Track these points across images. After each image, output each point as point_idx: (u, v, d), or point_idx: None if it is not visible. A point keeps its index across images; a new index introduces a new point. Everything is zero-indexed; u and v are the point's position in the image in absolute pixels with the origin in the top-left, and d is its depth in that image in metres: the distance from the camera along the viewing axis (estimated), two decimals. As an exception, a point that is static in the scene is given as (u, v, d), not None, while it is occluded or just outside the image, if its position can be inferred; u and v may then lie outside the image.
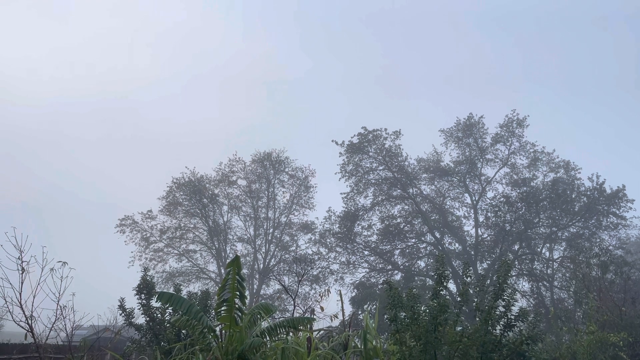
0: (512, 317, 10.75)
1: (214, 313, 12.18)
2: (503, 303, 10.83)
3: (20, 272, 10.73)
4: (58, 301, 11.32)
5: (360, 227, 41.51)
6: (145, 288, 14.65)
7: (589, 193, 36.71)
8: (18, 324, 10.92)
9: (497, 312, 10.75)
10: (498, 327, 10.78)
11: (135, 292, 14.65)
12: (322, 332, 14.75)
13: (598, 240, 36.32)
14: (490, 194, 40.71)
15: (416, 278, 38.97)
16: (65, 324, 11.72)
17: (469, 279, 11.91)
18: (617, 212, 36.37)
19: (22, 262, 10.78)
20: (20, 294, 10.70)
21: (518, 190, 38.57)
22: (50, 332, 11.55)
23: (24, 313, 10.84)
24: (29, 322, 10.89)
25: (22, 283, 10.74)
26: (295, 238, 48.06)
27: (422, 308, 10.76)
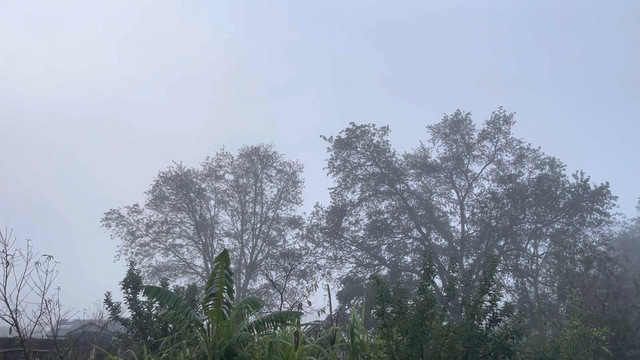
0: (498, 311, 10.87)
1: (201, 307, 12.15)
2: (489, 298, 10.95)
3: (5, 265, 10.58)
4: (43, 295, 11.19)
5: (347, 222, 41.65)
6: (131, 282, 14.55)
7: (573, 190, 37.15)
8: (2, 318, 10.77)
9: (483, 307, 10.86)
10: (484, 322, 10.90)
11: (121, 286, 14.56)
12: (309, 326, 14.81)
13: (582, 236, 36.82)
14: (476, 190, 41.12)
15: (403, 273, 39.18)
16: (50, 318, 11.59)
17: (455, 274, 12.02)
18: (601, 208, 36.88)
19: (7, 255, 10.64)
20: (4, 288, 10.56)
21: (504, 187, 38.93)
22: (35, 326, 11.41)
23: (8, 307, 10.68)
24: (14, 316, 10.75)
25: (6, 277, 10.59)
26: (283, 233, 48.08)
27: (410, 303, 10.83)
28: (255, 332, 11.10)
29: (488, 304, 10.96)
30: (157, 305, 14.34)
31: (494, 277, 11.21)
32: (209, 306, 10.43)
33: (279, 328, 11.86)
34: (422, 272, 11.17)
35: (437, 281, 36.59)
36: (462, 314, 11.35)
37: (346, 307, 34.23)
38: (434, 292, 11.02)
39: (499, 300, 11.01)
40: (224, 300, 10.41)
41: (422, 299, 10.53)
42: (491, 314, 10.88)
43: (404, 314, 10.42)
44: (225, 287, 10.32)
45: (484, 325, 10.92)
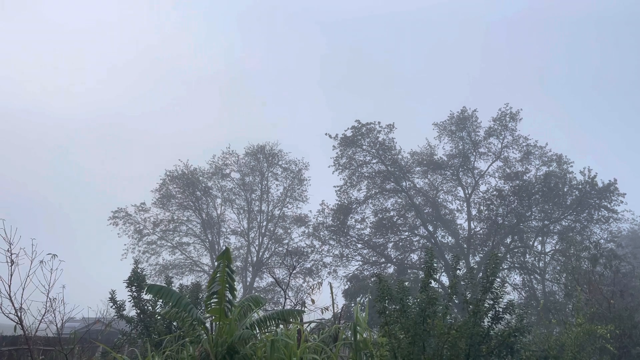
0: (500, 309, 10.82)
1: (204, 305, 12.19)
2: (492, 296, 10.89)
3: (10, 264, 10.68)
4: (48, 293, 11.29)
5: (353, 220, 41.64)
6: (136, 280, 14.65)
7: (580, 187, 36.90)
8: (7, 316, 10.87)
9: (486, 305, 10.81)
10: (486, 320, 10.85)
11: (126, 284, 14.65)
12: (313, 324, 14.82)
13: (589, 233, 36.57)
14: (483, 188, 40.91)
15: (409, 271, 39.15)
16: (55, 316, 11.69)
17: (459, 271, 11.98)
18: (609, 205, 36.59)
19: (12, 254, 10.73)
20: (9, 286, 10.65)
21: (511, 184, 38.72)
22: (39, 324, 11.52)
23: (13, 305, 10.79)
24: (19, 314, 10.85)
25: (11, 275, 10.69)
26: (289, 231, 48.11)
27: (411, 300, 10.81)
28: (258, 330, 11.12)
29: (490, 302, 10.91)
30: (161, 303, 14.41)
31: (499, 275, 11.16)
32: (212, 304, 10.46)
33: (281, 326, 11.87)
34: (425, 269, 11.15)
35: (444, 279, 36.51)
36: (467, 312, 11.30)
37: (352, 304, 34.23)
38: (439, 289, 11.00)
39: (501, 298, 10.96)
40: (227, 298, 10.44)
41: (424, 296, 10.50)
42: (493, 312, 10.83)
43: (406, 312, 10.39)
44: (227, 285, 10.34)
45: (486, 323, 10.87)
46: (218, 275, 10.29)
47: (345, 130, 40.17)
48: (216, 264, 10.50)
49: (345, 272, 40.85)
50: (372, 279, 36.58)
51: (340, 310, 15.66)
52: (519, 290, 36.82)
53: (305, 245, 43.53)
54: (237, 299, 11.55)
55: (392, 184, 40.96)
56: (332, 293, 14.39)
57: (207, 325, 11.31)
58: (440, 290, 24.98)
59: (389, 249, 41.97)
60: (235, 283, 10.83)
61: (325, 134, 40.52)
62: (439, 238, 41.08)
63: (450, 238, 41.61)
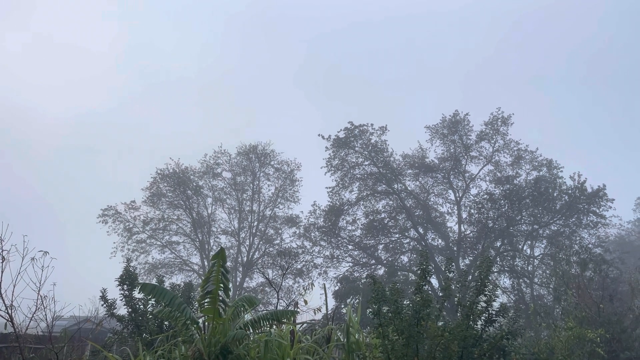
0: (493, 312, 10.90)
1: (197, 305, 12.15)
2: (484, 299, 10.97)
3: (1, 261, 10.58)
4: (39, 291, 11.19)
5: (344, 221, 41.66)
6: (127, 279, 14.54)
7: (570, 192, 37.21)
8: (-2, 313, 10.77)
9: (479, 308, 10.88)
10: (479, 322, 10.92)
11: (117, 283, 14.54)
12: (305, 325, 14.83)
13: (578, 238, 36.91)
14: (473, 191, 41.13)
15: (399, 273, 39.26)
16: (45, 314, 11.59)
17: (451, 274, 12.04)
18: (597, 210, 36.96)
19: (2, 250, 10.63)
20: (0, 283, 10.55)
21: (501, 188, 38.98)
22: (30, 322, 11.40)
23: (3, 302, 10.69)
24: (9, 311, 10.75)
25: (2, 272, 10.59)
26: (280, 231, 48.04)
27: (405, 302, 10.85)
28: (251, 331, 11.12)
29: (483, 304, 10.99)
30: (153, 302, 14.33)
31: (490, 278, 11.24)
32: (205, 304, 10.44)
33: (274, 326, 11.87)
34: (418, 272, 11.19)
35: (434, 281, 36.65)
36: (458, 315, 11.37)
37: (342, 306, 34.25)
38: (430, 292, 11.05)
39: (494, 301, 11.04)
40: (220, 298, 10.43)
41: (418, 299, 10.55)
42: (486, 315, 10.91)
43: (400, 314, 10.43)
44: (221, 285, 10.33)
45: (479, 326, 10.95)
46: (212, 274, 10.26)
47: (338, 132, 40.27)
48: (211, 263, 10.47)
49: (335, 273, 40.92)
50: (364, 280, 36.66)
51: (331, 312, 15.68)
52: (508, 293, 37.05)
53: (296, 245, 43.53)
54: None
55: (384, 186, 41.07)
56: (325, 294, 14.40)
57: (200, 324, 11.28)
58: (430, 292, 25.10)
59: (379, 251, 42.07)
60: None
61: (318, 135, 40.64)
62: (429, 240, 41.23)
63: (440, 241, 41.78)
